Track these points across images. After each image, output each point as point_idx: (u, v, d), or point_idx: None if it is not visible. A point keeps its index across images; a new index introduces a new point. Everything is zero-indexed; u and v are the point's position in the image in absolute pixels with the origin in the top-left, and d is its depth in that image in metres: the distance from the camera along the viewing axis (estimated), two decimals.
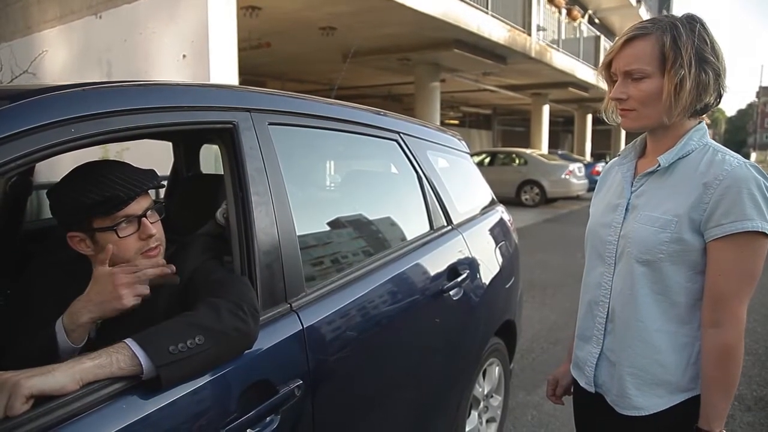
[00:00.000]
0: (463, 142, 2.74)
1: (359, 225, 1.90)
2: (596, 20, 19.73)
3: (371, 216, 1.96)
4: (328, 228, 1.74)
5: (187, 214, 1.66)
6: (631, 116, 1.15)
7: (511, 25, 11.35)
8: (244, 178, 1.25)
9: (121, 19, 5.45)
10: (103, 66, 5.65)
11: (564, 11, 15.48)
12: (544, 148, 17.75)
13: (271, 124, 1.37)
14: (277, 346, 1.21)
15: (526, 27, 12.28)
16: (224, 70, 4.84)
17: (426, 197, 2.07)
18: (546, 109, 18.16)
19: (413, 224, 2.04)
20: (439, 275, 1.91)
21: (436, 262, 1.93)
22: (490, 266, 2.30)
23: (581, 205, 13.28)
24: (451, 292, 1.93)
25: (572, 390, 1.43)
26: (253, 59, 10.41)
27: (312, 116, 1.58)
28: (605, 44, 16.95)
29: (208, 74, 4.71)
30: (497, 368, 2.43)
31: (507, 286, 2.48)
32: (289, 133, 1.48)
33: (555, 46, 14.10)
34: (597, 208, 1.32)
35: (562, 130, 31.60)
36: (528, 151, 14.93)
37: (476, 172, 2.76)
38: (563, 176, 13.38)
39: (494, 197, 2.81)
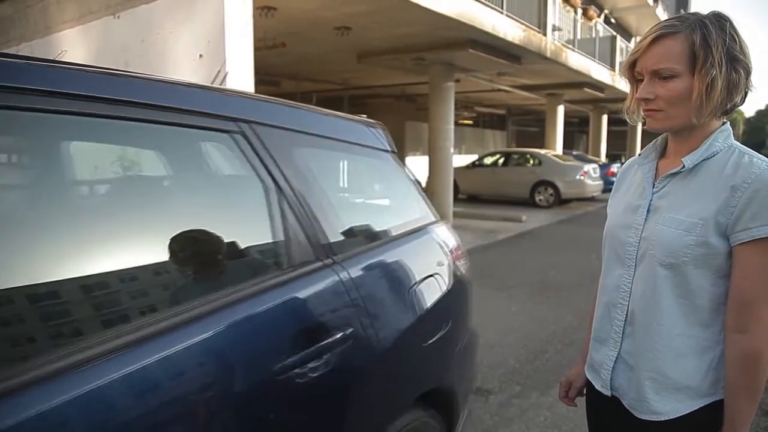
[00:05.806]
0: (382, 134, 1.98)
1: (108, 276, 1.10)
2: (612, 20, 19.55)
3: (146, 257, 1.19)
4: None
5: None
6: (659, 117, 1.12)
7: (527, 25, 11.28)
8: None
9: (138, 19, 5.51)
10: (120, 65, 5.68)
11: (580, 11, 15.37)
12: (559, 148, 17.62)
13: None
14: None
15: (542, 27, 12.20)
16: (240, 70, 4.87)
17: (277, 220, 1.39)
18: (561, 110, 18.02)
19: (244, 265, 1.38)
20: (277, 345, 1.25)
21: (275, 323, 1.27)
22: (393, 316, 1.63)
23: (596, 206, 13.19)
24: (306, 367, 1.27)
25: (585, 392, 1.41)
26: (268, 59, 10.45)
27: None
28: (621, 44, 16.79)
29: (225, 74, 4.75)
30: None
31: (431, 341, 1.77)
32: None
33: (570, 46, 13.99)
34: (615, 208, 1.29)
35: (577, 131, 31.37)
36: (542, 151, 14.85)
37: (401, 177, 1.97)
38: (578, 177, 13.30)
39: (432, 210, 2.05)
